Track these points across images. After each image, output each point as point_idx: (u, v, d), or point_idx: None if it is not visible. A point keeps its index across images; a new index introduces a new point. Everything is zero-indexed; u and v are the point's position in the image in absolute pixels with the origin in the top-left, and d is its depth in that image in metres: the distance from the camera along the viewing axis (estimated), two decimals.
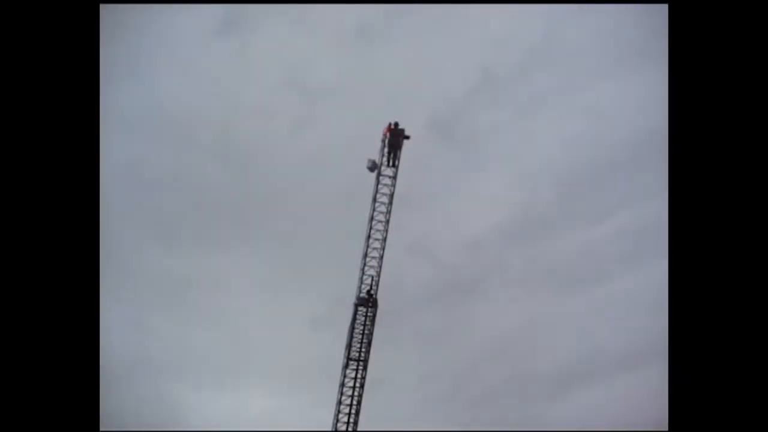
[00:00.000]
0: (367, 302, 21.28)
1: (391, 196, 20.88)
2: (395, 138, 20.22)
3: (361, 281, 21.42)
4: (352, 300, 21.54)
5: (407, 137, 20.29)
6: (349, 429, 22.29)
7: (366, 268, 21.35)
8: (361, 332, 21.62)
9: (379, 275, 21.40)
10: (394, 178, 20.82)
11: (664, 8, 10.21)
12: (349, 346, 21.78)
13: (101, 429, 10.56)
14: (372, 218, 21.03)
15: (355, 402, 22.14)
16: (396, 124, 20.30)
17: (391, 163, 20.62)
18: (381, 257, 21.33)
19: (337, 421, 22.34)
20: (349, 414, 22.26)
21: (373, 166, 20.57)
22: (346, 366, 21.89)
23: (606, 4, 29.66)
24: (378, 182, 20.74)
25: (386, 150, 20.40)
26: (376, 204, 20.92)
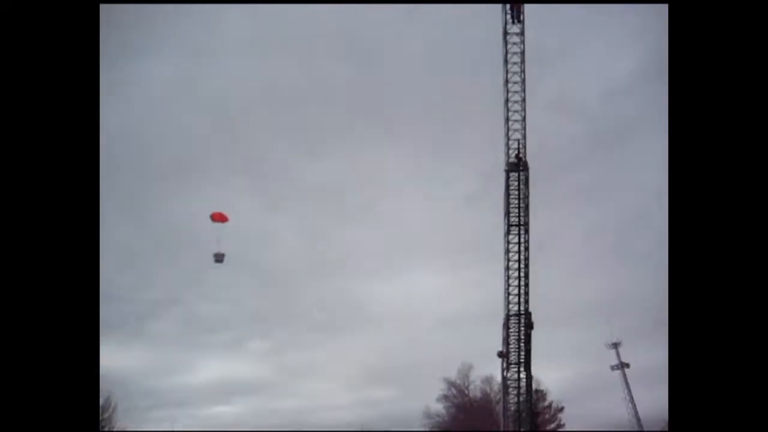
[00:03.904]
0: (518, 166, 20.89)
1: (522, 53, 20.06)
2: None
3: (508, 147, 20.98)
4: (503, 168, 21.19)
5: None
6: (521, 292, 22.50)
7: (510, 132, 20.83)
8: (517, 197, 21.32)
9: (524, 137, 20.84)
10: (522, 34, 19.98)
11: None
12: (507, 213, 21.62)
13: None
14: (507, 81, 20.36)
15: (522, 266, 22.15)
16: None
17: (515, 20, 19.81)
18: (523, 119, 20.72)
19: (509, 285, 22.73)
20: (519, 278, 22.32)
21: (221, 258, 22.23)
22: (507, 232, 21.83)
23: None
24: (506, 42, 20.07)
25: (509, 6, 19.57)
26: (509, 65, 20.18)
